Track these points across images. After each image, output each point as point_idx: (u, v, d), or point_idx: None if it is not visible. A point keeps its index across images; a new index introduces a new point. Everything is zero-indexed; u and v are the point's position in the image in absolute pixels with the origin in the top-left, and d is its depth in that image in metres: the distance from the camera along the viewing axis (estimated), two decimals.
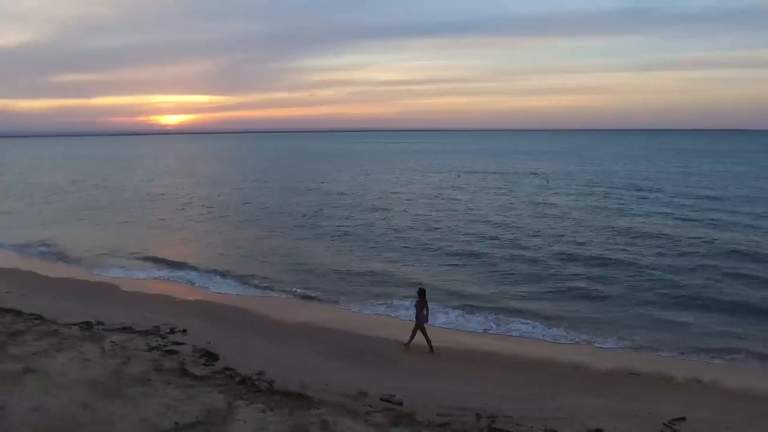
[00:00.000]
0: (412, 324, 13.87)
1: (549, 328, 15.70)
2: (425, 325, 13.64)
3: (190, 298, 17.61)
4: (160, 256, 23.37)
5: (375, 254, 23.82)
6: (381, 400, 9.90)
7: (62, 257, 23.70)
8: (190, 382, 10.37)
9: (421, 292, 13.84)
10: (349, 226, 30.14)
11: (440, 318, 16.09)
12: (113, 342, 12.39)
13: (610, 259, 22.10)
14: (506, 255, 23.10)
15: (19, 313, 14.37)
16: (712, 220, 30.16)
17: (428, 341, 13.52)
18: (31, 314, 14.39)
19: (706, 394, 11.29)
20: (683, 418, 9.50)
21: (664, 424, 9.35)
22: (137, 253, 24.18)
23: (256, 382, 10.39)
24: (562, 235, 26.71)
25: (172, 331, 13.44)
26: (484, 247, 24.52)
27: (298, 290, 18.78)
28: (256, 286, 19.33)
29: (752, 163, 76.41)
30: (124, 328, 13.47)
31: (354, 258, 23.06)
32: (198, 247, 25.68)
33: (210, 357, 11.64)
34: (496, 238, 26.44)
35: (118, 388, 9.86)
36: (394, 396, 10.13)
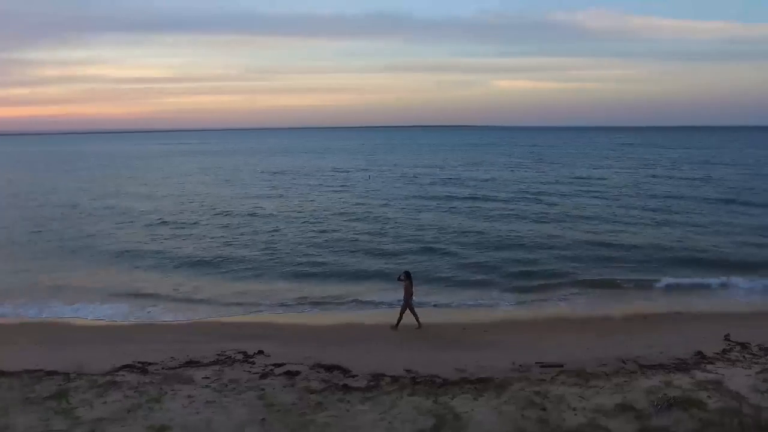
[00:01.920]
0: (394, 312, 15.09)
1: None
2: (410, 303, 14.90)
3: (174, 322, 15.32)
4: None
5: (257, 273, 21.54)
6: (542, 366, 11.01)
7: None
8: (364, 394, 9.94)
9: (408, 275, 15.02)
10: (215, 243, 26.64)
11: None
12: (207, 378, 10.68)
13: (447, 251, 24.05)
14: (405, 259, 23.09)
15: (15, 374, 10.90)
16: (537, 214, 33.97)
17: (416, 318, 14.86)
18: (37, 370, 11.09)
19: (692, 319, 15.13)
20: (728, 334, 12.85)
21: (724, 338, 12.56)
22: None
23: (429, 379, 10.44)
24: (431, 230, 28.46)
25: (248, 355, 12.01)
26: (387, 257, 23.76)
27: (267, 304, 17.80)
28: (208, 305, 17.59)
29: (509, 154, 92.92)
30: (189, 363, 11.57)
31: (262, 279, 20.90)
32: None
33: (341, 370, 11.03)
34: (379, 244, 25.98)
35: (301, 421, 9.00)
36: (542, 361, 11.33)
